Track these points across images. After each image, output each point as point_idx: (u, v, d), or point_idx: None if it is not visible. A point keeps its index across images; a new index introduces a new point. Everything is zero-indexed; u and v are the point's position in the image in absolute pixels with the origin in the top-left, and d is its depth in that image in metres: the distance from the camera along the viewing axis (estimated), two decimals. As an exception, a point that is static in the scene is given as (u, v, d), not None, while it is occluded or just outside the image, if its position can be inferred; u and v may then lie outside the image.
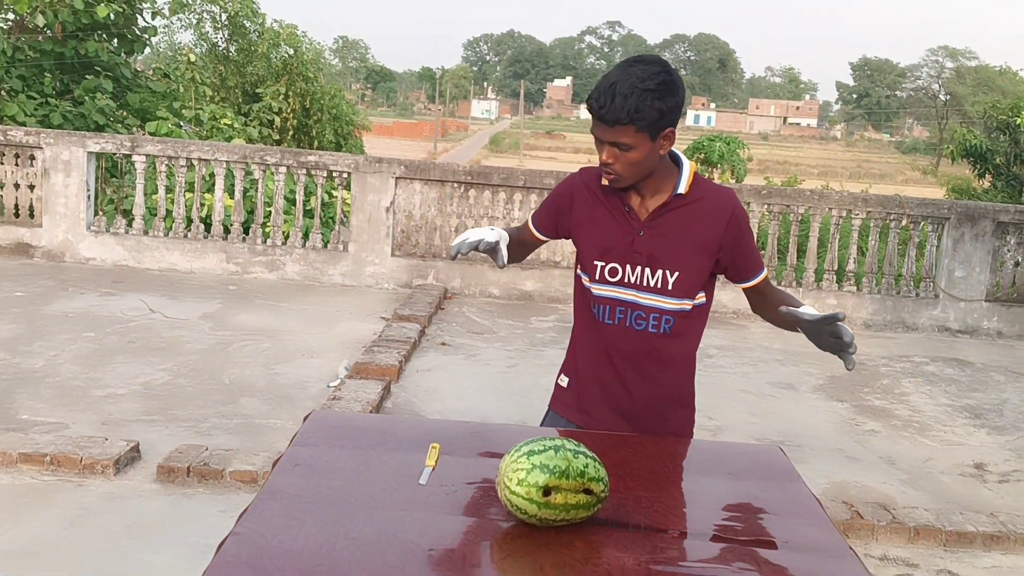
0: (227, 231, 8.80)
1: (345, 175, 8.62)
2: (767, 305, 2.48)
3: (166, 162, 8.67)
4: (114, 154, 8.89)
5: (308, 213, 9.60)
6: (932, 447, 5.52)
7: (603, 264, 2.42)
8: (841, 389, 6.54)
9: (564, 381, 2.62)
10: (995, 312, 8.54)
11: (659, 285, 2.38)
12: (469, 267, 8.53)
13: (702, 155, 24.84)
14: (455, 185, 8.67)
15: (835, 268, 8.66)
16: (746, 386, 6.48)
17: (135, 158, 8.71)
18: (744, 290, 2.50)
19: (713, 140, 25.69)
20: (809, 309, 2.28)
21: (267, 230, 8.79)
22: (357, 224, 8.63)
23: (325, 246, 8.76)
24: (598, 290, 2.45)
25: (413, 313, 7.31)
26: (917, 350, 7.88)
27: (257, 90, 19.73)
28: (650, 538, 1.86)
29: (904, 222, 8.61)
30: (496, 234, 2.43)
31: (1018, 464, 5.31)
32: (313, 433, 2.21)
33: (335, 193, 9.23)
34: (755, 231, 8.74)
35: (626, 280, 2.40)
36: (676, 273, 2.37)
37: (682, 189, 2.34)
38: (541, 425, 2.65)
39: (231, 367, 5.92)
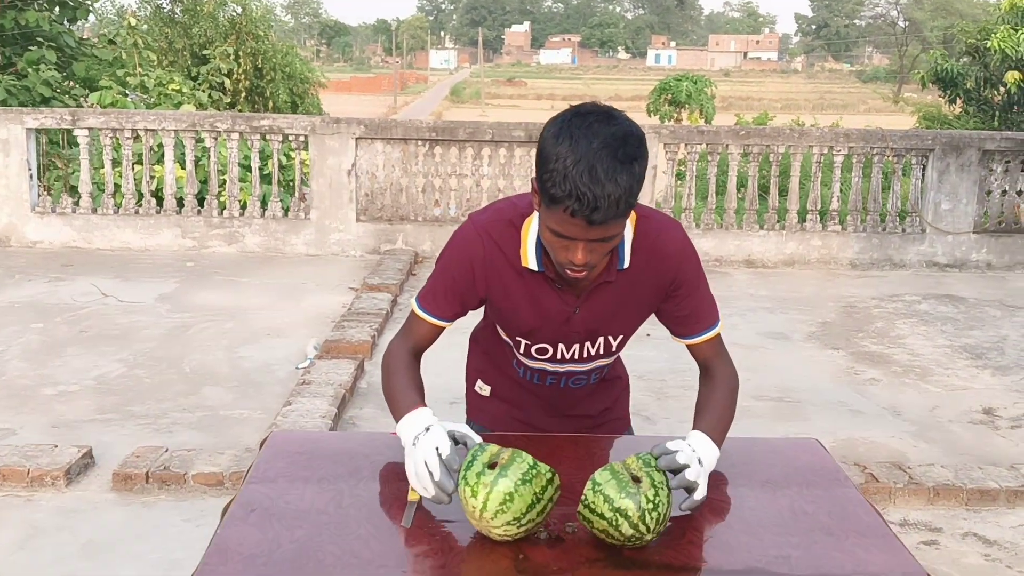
0: (181, 204, 8.32)
1: (302, 138, 8.16)
2: (703, 380, 2.03)
3: (110, 135, 8.15)
4: (56, 129, 8.36)
5: (266, 179, 9.12)
6: (937, 393, 5.26)
7: (528, 343, 2.02)
8: (835, 336, 6.27)
9: (485, 390, 2.27)
10: (984, 243, 8.29)
11: (601, 351, 2.04)
12: (439, 228, 8.13)
13: (669, 95, 24.44)
14: (419, 143, 8.23)
15: (818, 208, 8.35)
16: (736, 338, 6.16)
17: (77, 132, 8.18)
18: (688, 347, 2.05)
19: (680, 80, 25.28)
20: (688, 452, 1.73)
21: (223, 200, 8.32)
22: (318, 189, 8.19)
23: (286, 214, 8.32)
24: (524, 360, 2.09)
25: (383, 282, 6.94)
26: (907, 288, 7.62)
27: (205, 52, 18.95)
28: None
29: (887, 156, 8.31)
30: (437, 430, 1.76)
31: (1027, 407, 5.08)
32: (272, 464, 1.85)
33: (293, 155, 8.75)
34: (734, 175, 8.38)
35: (559, 357, 2.03)
36: (620, 336, 2.03)
37: (626, 263, 1.90)
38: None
39: (191, 353, 5.53)
